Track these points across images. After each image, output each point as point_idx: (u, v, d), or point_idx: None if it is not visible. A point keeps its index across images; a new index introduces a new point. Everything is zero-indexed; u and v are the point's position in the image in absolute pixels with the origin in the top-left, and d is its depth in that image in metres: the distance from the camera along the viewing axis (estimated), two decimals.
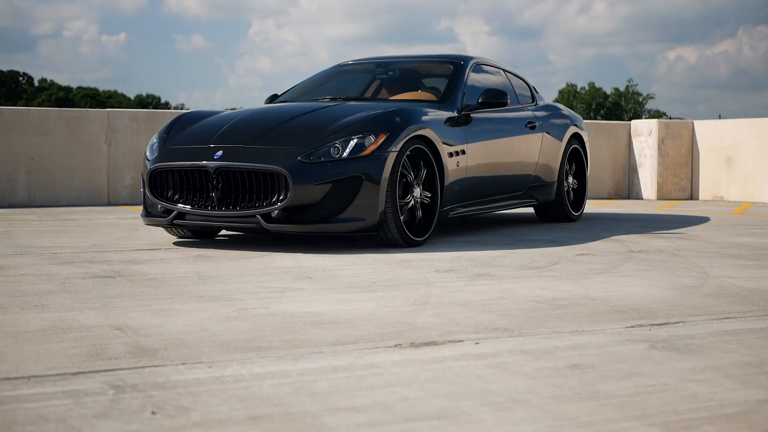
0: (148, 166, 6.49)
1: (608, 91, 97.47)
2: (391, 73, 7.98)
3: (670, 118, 42.30)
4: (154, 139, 6.72)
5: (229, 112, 7.06)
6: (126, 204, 11.66)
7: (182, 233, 6.88)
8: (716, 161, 13.81)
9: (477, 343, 3.29)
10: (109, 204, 11.63)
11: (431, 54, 8.12)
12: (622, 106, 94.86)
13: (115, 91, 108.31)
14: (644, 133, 14.20)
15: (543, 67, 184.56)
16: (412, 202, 6.43)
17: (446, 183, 6.72)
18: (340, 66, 8.32)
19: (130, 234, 7.41)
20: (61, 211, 10.22)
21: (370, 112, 6.43)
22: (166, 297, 4.28)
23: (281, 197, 6.01)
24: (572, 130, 8.79)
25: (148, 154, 6.63)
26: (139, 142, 11.79)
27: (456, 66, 7.64)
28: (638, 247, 6.43)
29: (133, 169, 11.75)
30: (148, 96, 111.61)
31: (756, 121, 13.56)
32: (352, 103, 7.08)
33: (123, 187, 11.73)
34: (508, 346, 3.25)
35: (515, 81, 8.47)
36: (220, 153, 6.21)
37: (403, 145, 6.24)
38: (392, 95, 7.80)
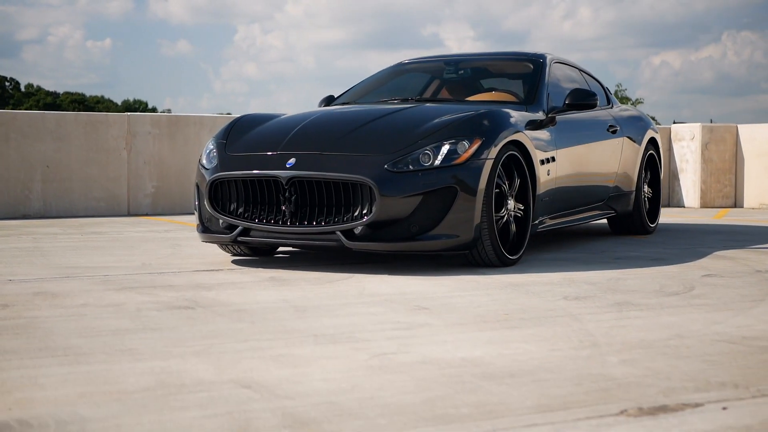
0: (207, 176, 5.73)
1: None
2: (462, 72, 7.23)
3: (663, 123, 41.75)
4: (211, 145, 5.95)
5: (293, 114, 6.30)
6: (147, 214, 10.89)
7: (239, 250, 6.12)
8: (763, 167, 13.12)
9: (725, 408, 2.55)
10: (129, 214, 10.86)
11: (503, 51, 7.39)
12: None
13: (102, 96, 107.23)
14: (686, 138, 13.50)
15: None
16: (506, 215, 5.69)
17: (538, 193, 5.99)
18: (401, 65, 7.55)
19: (175, 251, 6.65)
20: (82, 223, 9.44)
21: (458, 114, 5.68)
22: (273, 336, 3.54)
23: (365, 211, 5.27)
24: (650, 134, 8.07)
25: (204, 162, 5.87)
26: (161, 148, 11.03)
27: (535, 64, 6.90)
28: (761, 267, 5.71)
29: (155, 177, 10.98)
30: (135, 101, 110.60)
31: None
32: (430, 104, 6.33)
33: (144, 196, 10.96)
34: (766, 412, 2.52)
35: (590, 81, 7.74)
36: (292, 161, 5.45)
37: (499, 151, 5.51)
38: (456, 96, 7.06)
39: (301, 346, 3.38)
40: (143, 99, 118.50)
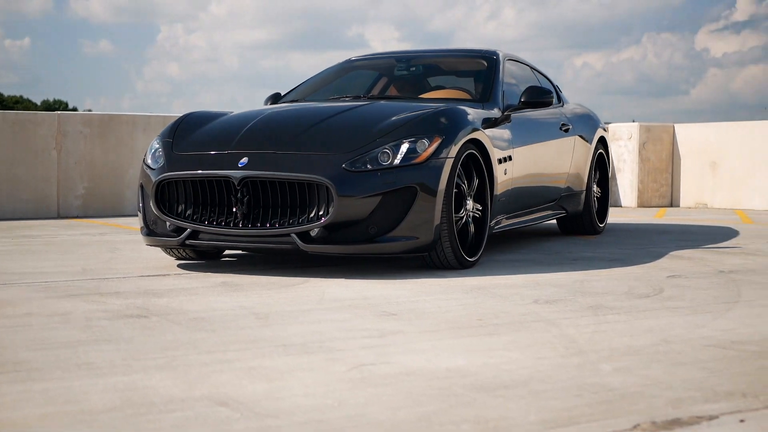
0: (152, 176, 5.45)
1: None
2: (413, 69, 7.03)
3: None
4: (156, 144, 5.67)
5: (243, 112, 6.04)
6: (78, 216, 10.49)
7: (185, 254, 5.84)
8: (699, 166, 13.15)
9: (742, 421, 2.40)
10: (59, 216, 10.45)
11: (455, 48, 7.21)
12: None
13: (21, 97, 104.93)
14: (624, 138, 13.49)
15: None
16: (465, 216, 5.51)
17: (496, 193, 5.83)
18: (350, 62, 7.31)
19: (115, 255, 6.35)
20: (10, 226, 9.04)
21: (417, 112, 5.49)
22: (239, 347, 3.31)
23: (321, 212, 5.04)
24: (599, 133, 7.97)
25: (149, 161, 5.59)
26: (93, 148, 10.64)
27: (489, 61, 6.74)
28: (722, 267, 5.61)
29: (86, 178, 10.59)
30: (55, 101, 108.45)
31: (743, 124, 12.95)
32: (385, 102, 6.12)
33: (75, 197, 10.56)
34: None
35: (541, 78, 7.61)
36: (245, 160, 5.20)
37: (459, 150, 5.33)
38: (408, 94, 6.86)
39: (271, 357, 3.15)
40: (63, 99, 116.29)
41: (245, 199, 5.13)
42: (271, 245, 5.15)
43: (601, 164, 8.10)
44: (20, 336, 3.49)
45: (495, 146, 5.81)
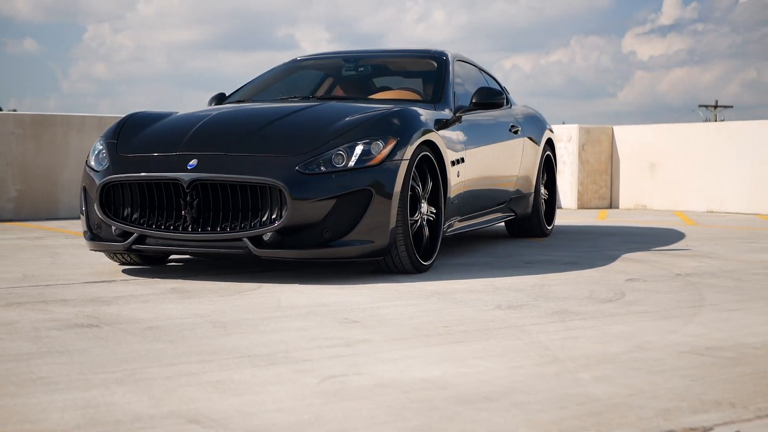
0: (97, 179, 5.24)
1: None
2: (362, 69, 6.90)
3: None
4: (100, 145, 5.46)
5: (189, 112, 5.86)
6: (11, 220, 10.17)
7: (129, 259, 5.64)
8: (638, 168, 13.23)
9: None
10: None
11: (403, 48, 7.09)
12: None
13: None
14: (563, 139, 13.51)
15: None
16: (420, 219, 5.41)
17: (449, 196, 5.73)
18: (296, 61, 7.15)
19: (55, 260, 6.13)
20: None
21: (370, 113, 5.36)
22: (201, 358, 3.16)
23: (274, 216, 4.90)
24: (547, 134, 7.92)
25: (93, 163, 5.39)
26: (26, 149, 10.33)
27: (439, 61, 6.64)
28: (678, 270, 5.59)
29: (19, 180, 10.28)
30: None
31: (681, 126, 13.06)
32: (336, 102, 5.98)
33: (7, 200, 10.24)
34: None
35: (489, 79, 7.54)
36: (194, 162, 5.03)
37: (414, 151, 5.22)
38: (356, 94, 6.74)
39: (237, 369, 3.01)
40: None
41: (195, 202, 4.96)
42: (222, 250, 4.99)
43: (548, 166, 8.05)
44: None
45: (448, 148, 5.72)
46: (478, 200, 6.47)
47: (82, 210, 5.46)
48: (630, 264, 5.87)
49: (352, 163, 4.98)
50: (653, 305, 4.27)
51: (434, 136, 5.48)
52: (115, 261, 5.72)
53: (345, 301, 4.40)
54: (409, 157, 5.16)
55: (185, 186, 4.95)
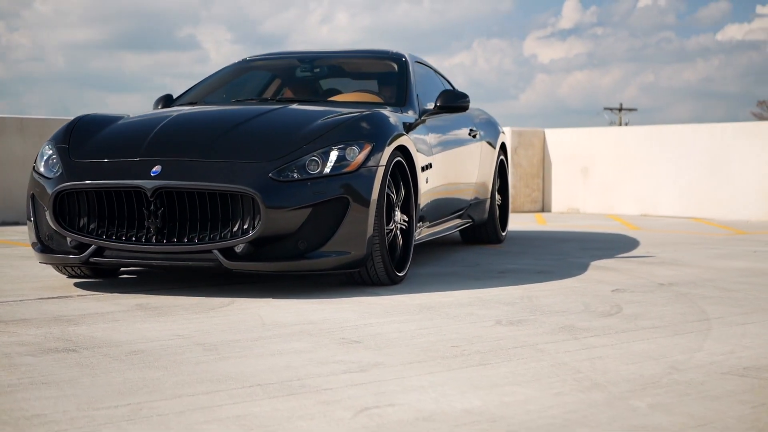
0: (49, 186, 4.85)
1: None
2: (318, 70, 6.60)
3: None
4: (49, 150, 5.07)
5: (145, 114, 5.49)
6: None
7: (79, 272, 5.26)
8: (570, 172, 13.17)
9: None
10: None
11: (360, 49, 6.79)
12: None
13: None
14: None
15: None
16: (394, 228, 5.15)
17: (419, 203, 5.48)
18: (246, 62, 6.80)
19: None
20: None
21: (341, 117, 5.07)
22: (206, 388, 2.84)
23: (246, 226, 4.58)
24: (501, 138, 7.73)
25: (42, 169, 4.99)
26: None
27: (399, 63, 6.38)
28: (657, 279, 5.43)
29: None
30: None
31: (613, 130, 13.05)
32: (300, 106, 5.65)
33: None
34: None
35: (443, 81, 7.31)
36: (158, 169, 4.68)
37: (389, 157, 4.96)
38: (312, 97, 6.44)
39: (252, 401, 2.71)
40: None
41: (159, 211, 4.62)
42: (190, 263, 4.65)
43: (501, 171, 7.86)
44: None
45: (418, 152, 5.47)
46: (443, 207, 6.24)
47: (31, 220, 5.06)
48: (605, 273, 5.69)
49: (327, 170, 4.70)
50: (658, 320, 4.08)
51: (406, 141, 5.23)
52: (63, 273, 5.33)
53: (332, 317, 4.11)
54: (384, 163, 4.89)
55: (149, 194, 4.60)
